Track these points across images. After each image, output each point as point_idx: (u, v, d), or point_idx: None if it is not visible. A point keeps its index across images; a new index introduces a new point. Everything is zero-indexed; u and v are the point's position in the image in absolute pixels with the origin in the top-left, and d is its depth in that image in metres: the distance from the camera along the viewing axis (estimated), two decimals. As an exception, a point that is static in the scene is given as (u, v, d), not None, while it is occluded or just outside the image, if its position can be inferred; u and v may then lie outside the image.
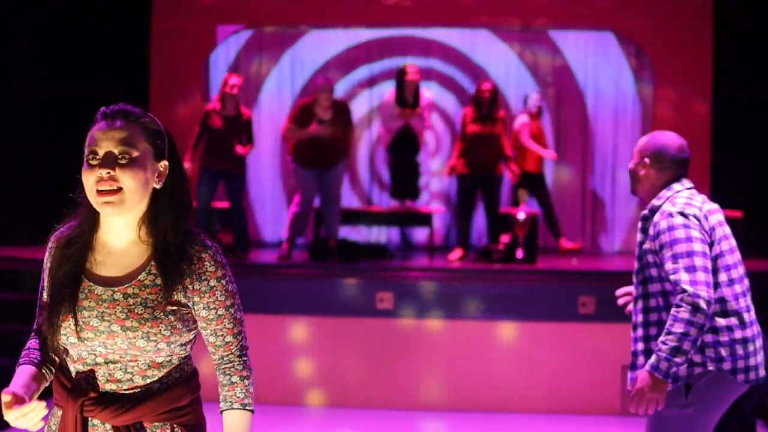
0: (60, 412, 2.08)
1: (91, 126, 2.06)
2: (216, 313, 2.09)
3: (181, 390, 2.08)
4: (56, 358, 2.14)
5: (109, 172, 1.99)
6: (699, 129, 8.77)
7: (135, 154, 2.02)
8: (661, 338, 3.04)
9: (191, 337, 2.10)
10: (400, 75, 7.93)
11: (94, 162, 2.01)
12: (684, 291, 3.04)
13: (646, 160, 3.30)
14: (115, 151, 2.00)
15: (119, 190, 2.00)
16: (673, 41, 8.83)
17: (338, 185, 7.60)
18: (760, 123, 8.50)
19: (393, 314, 6.36)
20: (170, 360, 2.07)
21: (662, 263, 3.12)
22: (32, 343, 2.17)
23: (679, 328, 3.00)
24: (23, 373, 2.09)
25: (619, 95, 9.36)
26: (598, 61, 9.39)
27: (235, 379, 2.12)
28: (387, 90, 8.60)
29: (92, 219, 2.08)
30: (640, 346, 3.22)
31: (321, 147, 7.36)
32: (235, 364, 2.13)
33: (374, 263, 7.36)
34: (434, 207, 8.98)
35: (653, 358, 3.05)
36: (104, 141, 2.01)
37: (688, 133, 8.55)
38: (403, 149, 8.14)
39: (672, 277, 3.07)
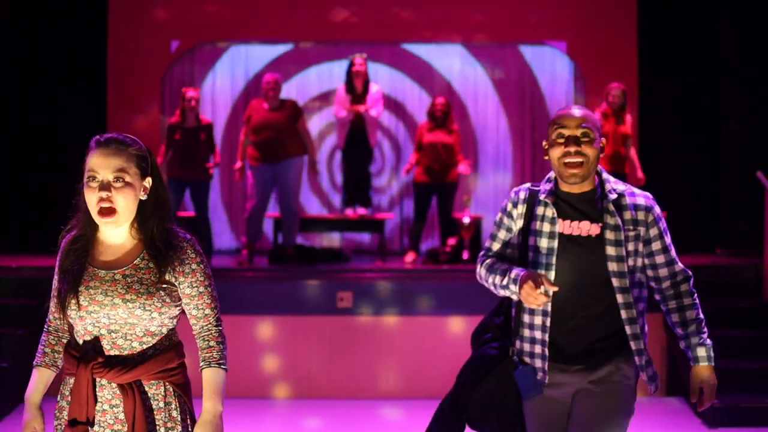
0: (71, 380, 2.57)
1: (87, 151, 2.58)
2: (197, 290, 2.60)
3: (171, 354, 2.58)
4: (63, 339, 2.66)
5: (108, 195, 2.52)
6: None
7: (127, 179, 2.54)
8: (696, 328, 2.91)
9: (177, 312, 2.60)
10: (348, 67, 8.37)
11: (94, 184, 2.53)
12: (691, 276, 2.97)
13: (604, 139, 2.98)
14: (111, 177, 2.52)
15: (114, 211, 2.52)
16: (601, 52, 9.33)
17: (293, 182, 7.70)
18: (684, 126, 9.19)
19: (352, 312, 6.85)
20: (161, 330, 2.57)
21: (659, 252, 2.92)
22: (42, 338, 2.69)
23: (702, 314, 2.95)
24: (35, 382, 2.62)
25: (553, 104, 10.00)
26: (536, 72, 10.04)
27: (212, 343, 2.61)
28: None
29: (92, 222, 2.59)
30: (634, 345, 2.91)
31: (272, 137, 7.61)
32: (213, 331, 2.62)
33: (331, 266, 7.78)
34: (385, 214, 9.46)
35: (706, 351, 2.90)
36: (102, 168, 2.52)
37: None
38: (356, 154, 8.45)
39: (680, 264, 2.97)
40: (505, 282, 2.90)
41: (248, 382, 6.78)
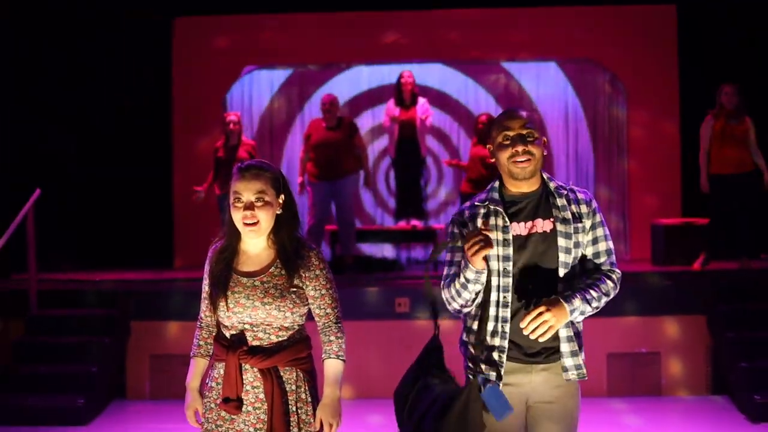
0: (221, 365, 3.04)
1: (232, 178, 3.05)
2: (320, 293, 3.05)
3: (301, 346, 3.05)
4: (213, 333, 3.15)
5: (252, 213, 3.00)
6: (669, 146, 9.65)
7: (267, 198, 3.01)
8: (590, 284, 2.96)
9: (305, 311, 3.06)
10: (397, 80, 8.87)
11: (239, 205, 3.00)
12: (616, 270, 3.04)
13: (545, 138, 3.09)
14: (253, 198, 3.00)
15: (257, 222, 3.00)
16: (643, 67, 9.63)
17: (349, 197, 8.14)
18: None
19: (410, 316, 7.22)
20: (293, 326, 3.04)
21: (597, 240, 3.01)
22: (197, 333, 3.19)
23: (608, 293, 2.98)
24: (194, 370, 3.12)
25: (598, 118, 10.33)
26: (577, 88, 10.39)
27: (332, 338, 3.08)
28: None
29: (236, 235, 3.07)
30: (564, 332, 3.06)
31: (330, 155, 8.05)
32: (333, 328, 3.08)
33: (388, 274, 8.22)
34: (438, 225, 9.83)
35: (573, 293, 2.91)
36: (245, 191, 3.00)
37: (660, 150, 9.65)
38: (407, 165, 8.84)
39: (614, 257, 3.05)
40: (461, 277, 2.90)
41: (313, 383, 7.18)
